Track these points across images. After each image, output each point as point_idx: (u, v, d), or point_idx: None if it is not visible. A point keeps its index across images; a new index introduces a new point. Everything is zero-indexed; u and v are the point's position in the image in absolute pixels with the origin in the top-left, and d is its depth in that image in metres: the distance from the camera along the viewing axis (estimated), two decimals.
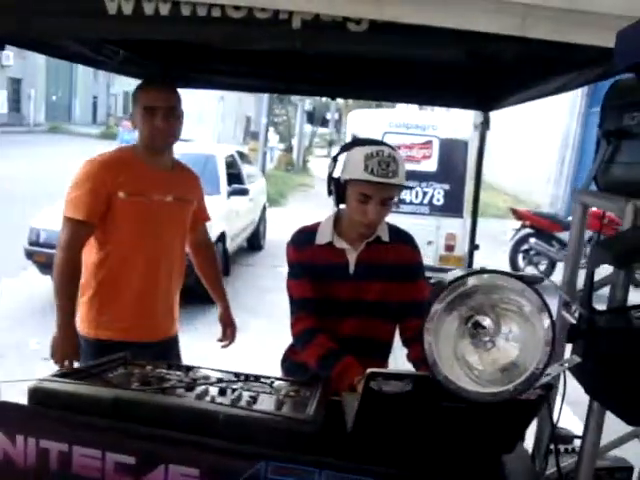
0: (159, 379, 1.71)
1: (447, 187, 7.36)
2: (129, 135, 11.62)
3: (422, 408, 1.46)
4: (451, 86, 2.97)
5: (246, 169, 8.86)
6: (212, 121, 14.03)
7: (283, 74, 3.00)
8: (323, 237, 2.14)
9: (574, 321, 1.50)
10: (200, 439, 1.40)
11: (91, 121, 43.44)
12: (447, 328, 1.33)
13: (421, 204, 7.29)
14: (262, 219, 9.43)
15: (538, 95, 2.49)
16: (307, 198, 15.46)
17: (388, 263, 2.15)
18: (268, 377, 1.89)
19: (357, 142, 2.12)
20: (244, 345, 5.26)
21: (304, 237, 2.18)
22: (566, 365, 1.37)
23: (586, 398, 1.51)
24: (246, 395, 1.65)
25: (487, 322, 1.31)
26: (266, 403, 1.60)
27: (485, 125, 3.36)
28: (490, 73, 2.56)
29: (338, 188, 2.08)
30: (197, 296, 6.26)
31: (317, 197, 15.85)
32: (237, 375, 1.85)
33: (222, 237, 6.81)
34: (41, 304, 6.40)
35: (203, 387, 1.66)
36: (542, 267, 8.61)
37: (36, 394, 1.49)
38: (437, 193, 7.37)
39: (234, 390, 1.69)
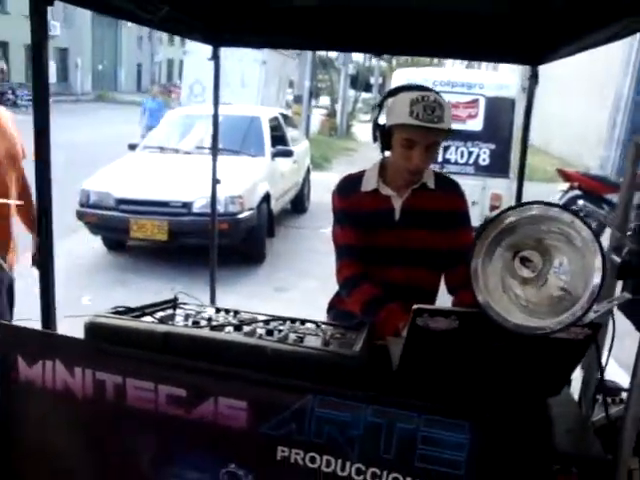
0: (207, 319, 1.75)
1: (493, 147, 7.20)
2: (152, 103, 11.66)
3: (468, 346, 1.46)
4: (499, 39, 2.88)
5: (290, 132, 8.85)
6: (255, 85, 13.97)
7: (327, 30, 2.96)
8: (368, 184, 2.14)
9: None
10: (249, 373, 1.44)
11: (136, 89, 43.88)
12: (494, 264, 1.32)
13: (466, 164, 7.16)
14: (306, 182, 9.44)
15: (591, 44, 2.40)
16: (351, 162, 15.33)
17: (434, 210, 2.14)
18: (314, 321, 1.91)
19: (402, 88, 2.09)
20: (293, 304, 5.36)
21: (349, 184, 2.18)
22: (615, 302, 1.34)
23: None
24: (293, 335, 1.68)
25: (534, 256, 1.30)
26: (313, 342, 1.63)
27: (534, 80, 3.25)
28: (539, 22, 2.47)
29: (383, 134, 2.06)
30: (243, 255, 6.44)
31: (361, 161, 15.67)
32: (283, 318, 1.88)
33: (266, 198, 6.85)
34: (90, 263, 6.61)
35: (250, 327, 1.69)
36: None
37: (92, 329, 1.55)
38: (483, 153, 7.22)
39: (281, 331, 1.72)
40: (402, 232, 2.12)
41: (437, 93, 2.01)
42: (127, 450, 1.54)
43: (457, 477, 1.37)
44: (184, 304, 1.93)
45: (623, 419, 1.51)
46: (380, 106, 2.09)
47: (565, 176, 8.50)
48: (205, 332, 1.56)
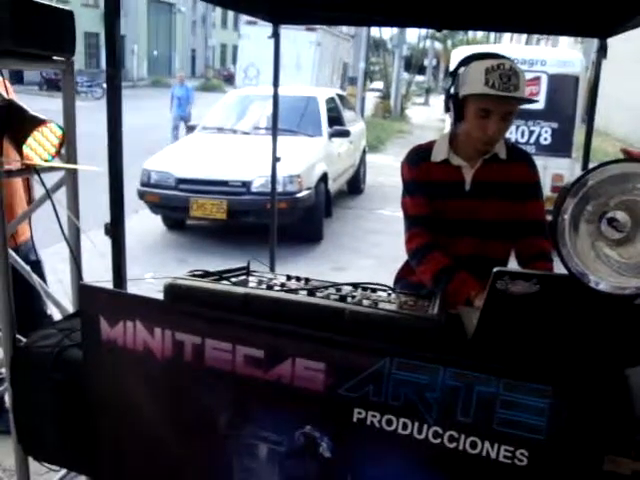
0: (281, 285, 1.77)
1: (555, 125, 7.00)
2: (179, 90, 11.74)
3: (548, 310, 1.43)
4: (565, 10, 2.77)
5: (346, 113, 8.82)
6: (309, 67, 13.95)
7: (387, 5, 2.92)
8: (439, 154, 2.11)
9: None
10: (327, 334, 1.45)
11: (190, 73, 44.46)
12: (582, 229, 1.28)
13: (527, 143, 6.98)
14: (362, 162, 9.40)
15: None
16: (405, 144, 15.20)
17: (505, 181, 2.10)
18: (385, 288, 1.91)
19: (476, 56, 2.05)
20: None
21: (419, 155, 2.15)
22: None
23: None
24: (366, 301, 1.68)
25: (621, 216, 1.25)
26: (387, 307, 1.62)
27: (602, 53, 3.12)
28: None
29: (456, 104, 2.03)
30: (301, 235, 6.47)
31: (415, 143, 15.53)
32: (355, 285, 1.88)
33: (324, 178, 6.86)
34: (151, 242, 6.76)
35: (324, 293, 1.70)
36: None
37: (171, 291, 1.59)
38: (544, 132, 7.03)
39: (354, 297, 1.72)
40: (472, 203, 2.09)
41: (512, 61, 1.96)
42: (205, 410, 1.58)
43: (538, 442, 1.35)
44: (255, 272, 1.96)
45: None
46: (453, 75, 2.06)
47: (630, 156, 8.18)
48: (283, 294, 1.57)
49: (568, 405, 1.35)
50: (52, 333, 1.90)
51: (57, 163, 2.09)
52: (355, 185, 9.26)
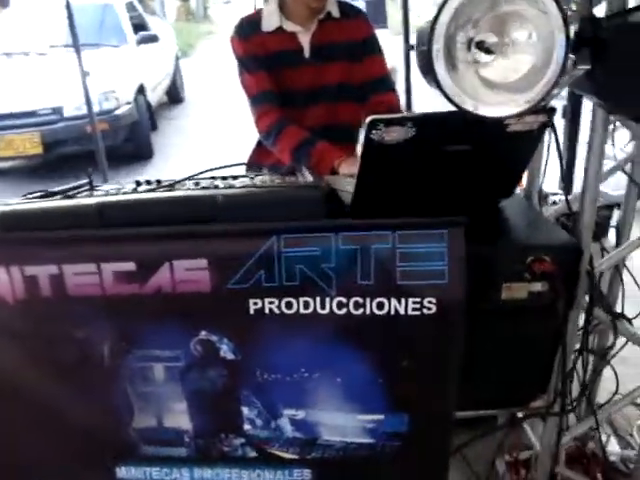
0: (134, 190, 1.55)
1: None
2: None
3: (425, 154, 1.37)
4: None
5: (149, 18, 8.12)
6: None
7: None
8: (270, 23, 1.94)
9: None
10: (201, 227, 1.28)
11: None
12: (457, 56, 1.18)
13: None
14: (177, 70, 8.80)
15: None
16: (214, 46, 14.62)
17: (344, 41, 1.98)
18: (246, 175, 1.76)
19: None
20: None
21: (248, 26, 1.97)
22: (574, 75, 1.28)
23: None
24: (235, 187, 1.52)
25: (490, 38, 1.18)
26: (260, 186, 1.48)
27: None
28: None
29: None
30: (130, 154, 6.00)
31: (224, 43, 14.91)
32: (214, 177, 1.70)
33: (142, 89, 6.34)
34: None
35: (184, 187, 1.51)
36: None
37: (4, 220, 1.31)
38: None
39: (217, 186, 1.55)
40: (314, 69, 1.97)
41: None
42: (81, 346, 1.37)
43: (442, 287, 1.32)
44: (99, 185, 1.71)
45: (582, 205, 1.52)
46: None
47: None
48: (141, 195, 1.37)
49: (460, 245, 1.32)
50: None
51: None
52: (175, 93, 8.70)
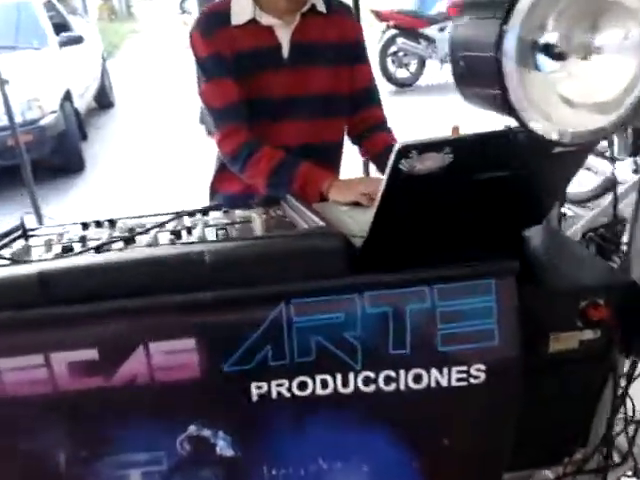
0: (81, 240, 1.22)
1: None
2: None
3: (458, 183, 1.10)
4: None
5: (71, 19, 7.55)
6: None
7: None
8: (241, 14, 1.59)
9: None
10: (186, 297, 0.97)
11: None
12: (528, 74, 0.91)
13: None
14: (105, 72, 8.25)
15: None
16: (141, 45, 14.02)
17: (330, 41, 1.66)
18: (218, 206, 1.45)
19: None
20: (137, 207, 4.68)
21: (213, 19, 1.61)
22: None
23: None
24: (212, 231, 1.21)
25: (555, 37, 0.91)
26: (244, 232, 1.18)
27: None
28: None
29: None
30: (58, 167, 5.51)
31: (151, 42, 14.33)
32: (178, 214, 1.39)
33: (68, 96, 5.82)
34: None
35: (147, 235, 1.19)
36: (412, 68, 8.27)
37: None
38: None
39: (191, 229, 1.24)
40: (294, 73, 1.63)
41: None
42: (27, 460, 1.03)
43: (492, 349, 1.06)
44: (34, 229, 1.36)
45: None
46: None
47: (380, 17, 8.19)
48: (95, 258, 1.03)
49: (513, 296, 1.07)
50: None
51: None
52: (104, 98, 8.17)
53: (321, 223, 1.11)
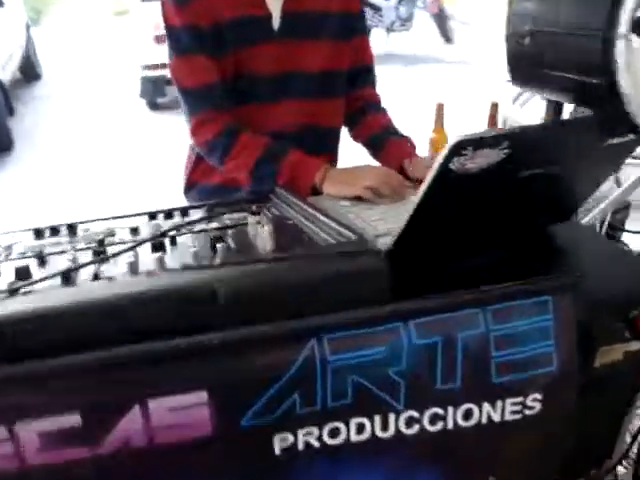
0: (38, 257, 0.98)
1: None
2: None
3: (503, 180, 0.93)
4: None
5: None
6: None
7: None
8: None
9: None
10: (194, 340, 0.76)
11: None
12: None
13: None
14: (30, 41, 7.64)
15: None
16: (67, 11, 13.19)
17: (325, 10, 1.42)
18: (201, 205, 1.23)
19: None
20: (73, 197, 4.34)
21: None
22: None
23: None
24: (203, 242, 0.99)
25: None
26: (245, 244, 0.97)
27: None
28: None
29: None
30: None
31: (78, 8, 13.49)
32: (151, 215, 1.16)
33: None
34: None
35: (123, 250, 0.96)
36: None
37: None
38: None
39: (174, 240, 1.02)
40: (286, 47, 1.38)
41: None
42: None
43: (549, 377, 0.91)
44: None
45: None
46: None
47: None
48: (69, 292, 0.80)
49: (571, 315, 0.91)
50: None
51: None
52: (30, 70, 7.58)
53: (347, 232, 0.90)
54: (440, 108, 1.85)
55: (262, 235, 0.95)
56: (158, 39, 5.38)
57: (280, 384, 0.79)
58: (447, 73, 7.04)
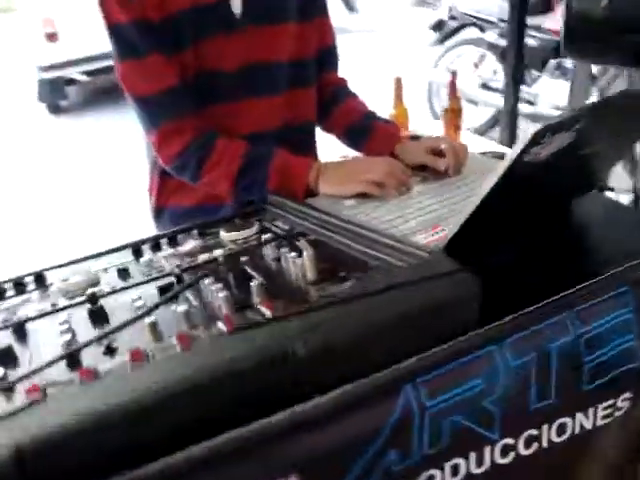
0: (15, 332, 0.79)
1: None
2: None
3: (563, 162, 0.83)
4: None
5: None
6: None
7: None
8: None
9: None
10: (278, 420, 0.61)
11: None
12: None
13: None
14: None
15: None
16: None
17: None
18: (187, 228, 1.06)
19: None
20: None
21: None
22: None
23: None
24: (230, 280, 0.83)
25: None
26: (265, 269, 0.82)
27: None
28: None
29: None
30: None
31: None
32: (135, 250, 0.99)
33: None
34: None
35: (140, 316, 0.79)
36: None
37: None
38: None
39: (191, 285, 0.85)
40: (250, 36, 1.19)
41: None
42: None
43: (636, 373, 0.83)
44: None
45: None
46: None
47: None
48: (95, 390, 0.62)
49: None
50: None
51: None
52: None
53: (406, 247, 0.77)
54: (398, 82, 1.74)
55: (300, 262, 0.80)
56: (50, 37, 4.95)
57: (375, 447, 0.66)
58: (353, 43, 6.95)
